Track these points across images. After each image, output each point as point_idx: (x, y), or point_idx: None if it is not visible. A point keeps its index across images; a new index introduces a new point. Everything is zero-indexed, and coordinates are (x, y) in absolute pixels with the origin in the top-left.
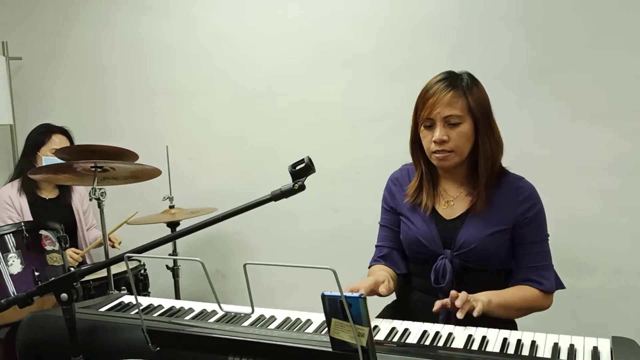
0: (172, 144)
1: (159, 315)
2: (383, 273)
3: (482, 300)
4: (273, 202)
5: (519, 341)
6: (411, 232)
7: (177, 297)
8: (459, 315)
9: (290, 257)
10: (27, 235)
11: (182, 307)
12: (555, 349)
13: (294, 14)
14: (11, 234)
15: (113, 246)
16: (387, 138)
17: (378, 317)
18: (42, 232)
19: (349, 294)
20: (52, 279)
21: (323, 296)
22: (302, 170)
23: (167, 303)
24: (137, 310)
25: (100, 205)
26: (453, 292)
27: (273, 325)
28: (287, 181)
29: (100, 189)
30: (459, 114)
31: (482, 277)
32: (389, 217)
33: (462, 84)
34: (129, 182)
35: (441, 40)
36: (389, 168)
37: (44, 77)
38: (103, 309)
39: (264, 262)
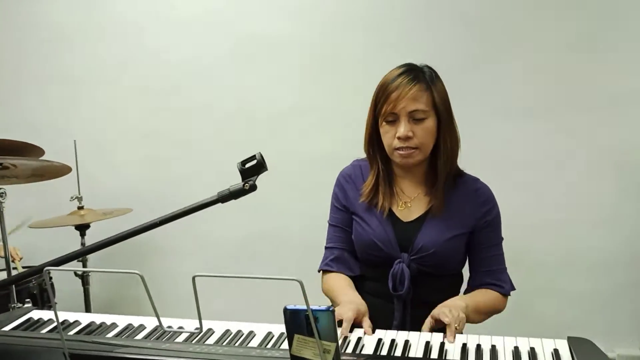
0: (75, 138)
1: (78, 333)
2: (358, 302)
3: (461, 307)
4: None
5: (478, 346)
6: (366, 234)
7: (88, 307)
8: (451, 339)
9: (212, 258)
10: None
11: (103, 323)
12: (517, 353)
13: (211, 2)
14: None
15: (13, 261)
16: (313, 133)
17: None
18: None
19: (316, 307)
20: None
21: (286, 310)
22: (253, 168)
23: (85, 318)
24: (51, 329)
25: None
26: (439, 313)
27: (211, 340)
28: (209, 180)
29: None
30: (425, 109)
31: (438, 282)
32: (341, 217)
33: (425, 77)
34: (32, 180)
35: (368, 33)
36: (313, 164)
37: None
38: (7, 328)
39: (212, 273)
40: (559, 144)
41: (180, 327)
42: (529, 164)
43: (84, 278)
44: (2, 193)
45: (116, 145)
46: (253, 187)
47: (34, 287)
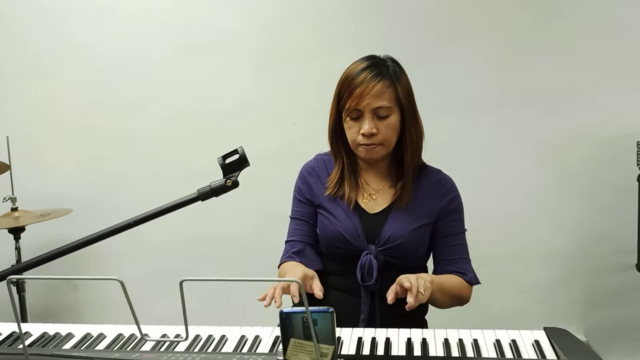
0: (8, 135)
1: (35, 345)
2: (305, 268)
3: (427, 278)
4: (126, 197)
5: (460, 341)
6: (332, 226)
7: (24, 317)
8: (411, 301)
9: (154, 261)
10: None
11: (57, 333)
12: (499, 345)
13: None
14: None
15: None
16: (259, 130)
17: None
18: None
19: (316, 309)
20: None
21: (282, 313)
22: (235, 164)
23: (35, 329)
24: (4, 339)
25: None
26: (401, 278)
27: (182, 347)
28: (154, 180)
29: None
30: (388, 106)
31: (403, 274)
32: (304, 210)
33: (389, 72)
34: None
35: (318, 27)
36: (261, 162)
37: None
38: None
39: (201, 277)
40: (501, 139)
41: (164, 335)
42: (473, 159)
43: (19, 285)
44: None
45: (51, 143)
46: (235, 184)
47: None
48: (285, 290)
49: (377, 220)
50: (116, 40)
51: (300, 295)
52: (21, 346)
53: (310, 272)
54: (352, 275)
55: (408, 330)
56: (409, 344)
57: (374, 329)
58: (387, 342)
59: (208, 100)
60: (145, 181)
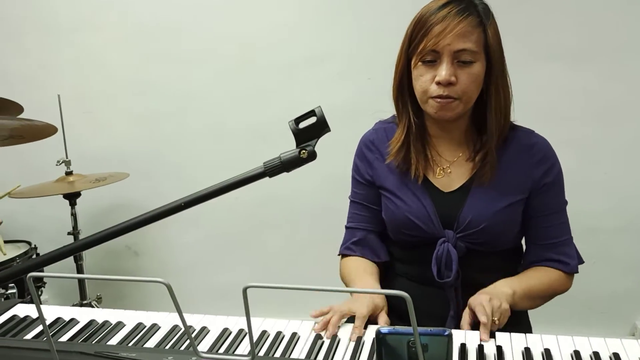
0: (59, 93)
1: (73, 338)
2: (374, 297)
3: (506, 295)
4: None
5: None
6: (399, 211)
7: (83, 288)
8: (485, 337)
9: (216, 225)
10: None
11: (106, 322)
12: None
13: None
14: None
15: None
16: (330, 83)
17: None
18: None
19: (427, 330)
20: None
21: (380, 334)
22: (311, 129)
23: (82, 314)
24: (40, 331)
25: None
26: (475, 306)
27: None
28: (209, 137)
29: None
30: (474, 50)
31: (489, 261)
32: (364, 192)
33: (478, 11)
34: (9, 143)
35: None
36: (333, 121)
37: None
38: None
39: (264, 283)
40: (614, 93)
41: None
42: (575, 118)
43: (76, 256)
44: None
45: (103, 101)
46: (312, 155)
47: (17, 266)
48: (345, 315)
49: (453, 201)
50: None
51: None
52: (65, 338)
53: (382, 302)
54: (427, 266)
55: (462, 332)
56: (500, 352)
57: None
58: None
59: (273, 52)
60: (204, 139)
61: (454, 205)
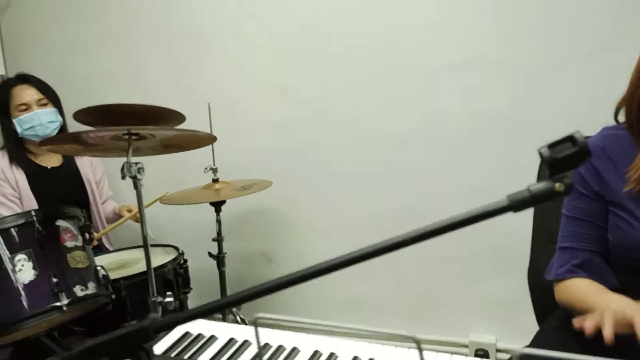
0: (208, 100)
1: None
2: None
3: None
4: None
5: None
6: (635, 233)
7: (223, 292)
8: None
9: (351, 235)
10: (39, 228)
11: (295, 348)
12: None
13: None
14: (17, 228)
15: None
16: (475, 89)
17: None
18: (60, 222)
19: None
20: (110, 335)
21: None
22: (569, 158)
23: (221, 331)
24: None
25: (137, 186)
26: None
27: None
28: (343, 146)
29: (136, 163)
30: None
31: None
32: (589, 207)
33: None
34: (168, 152)
35: None
36: (475, 129)
37: (36, 20)
38: (161, 349)
39: (275, 315)
40: None
41: None
42: None
43: (219, 260)
44: (140, 169)
45: (246, 107)
46: (569, 188)
47: (169, 272)
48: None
49: None
50: None
51: None
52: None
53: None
54: None
55: None
56: None
57: None
58: None
59: (410, 56)
60: (342, 148)
61: None
